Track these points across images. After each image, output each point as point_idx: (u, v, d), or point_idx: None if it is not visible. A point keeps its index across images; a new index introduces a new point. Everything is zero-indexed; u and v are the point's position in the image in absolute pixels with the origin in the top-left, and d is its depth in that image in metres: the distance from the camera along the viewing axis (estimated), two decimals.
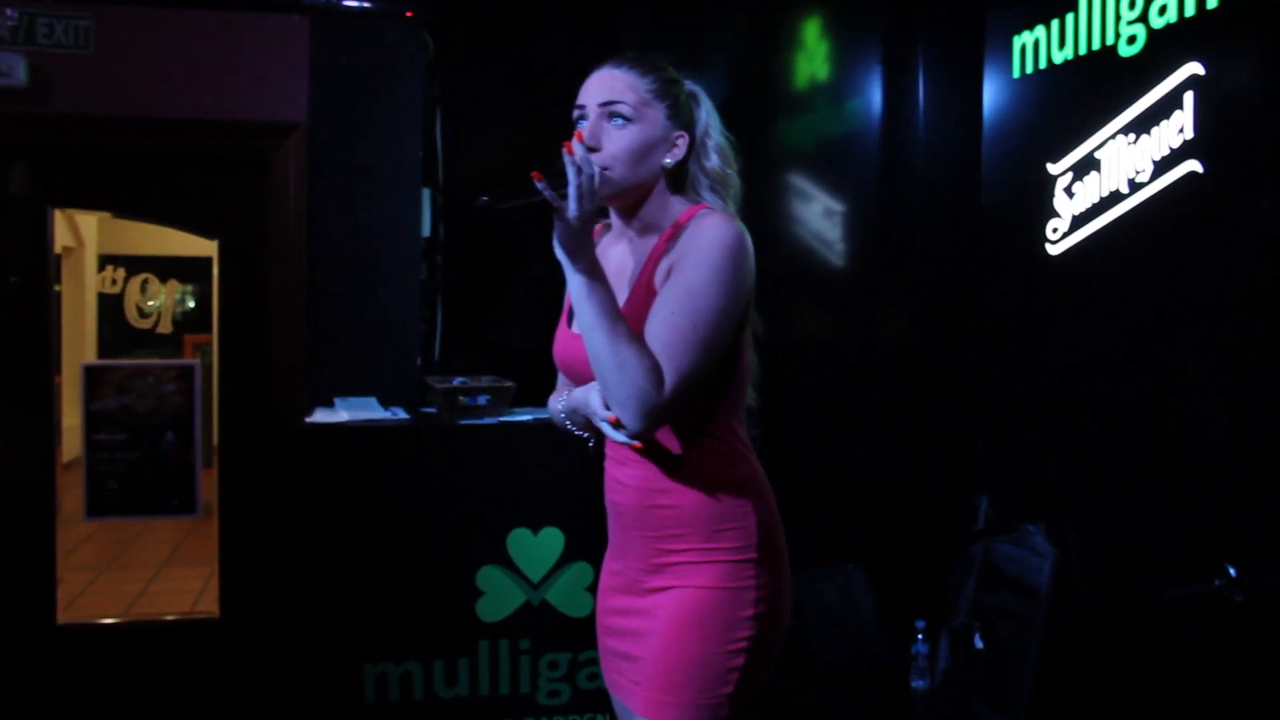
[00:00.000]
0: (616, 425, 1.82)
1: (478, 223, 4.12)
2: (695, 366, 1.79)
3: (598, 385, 1.83)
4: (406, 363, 3.92)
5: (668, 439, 1.93)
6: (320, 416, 3.50)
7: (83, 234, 8.19)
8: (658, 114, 1.94)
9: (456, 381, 3.62)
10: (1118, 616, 3.60)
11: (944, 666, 4.21)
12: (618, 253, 2.06)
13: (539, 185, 1.72)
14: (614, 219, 2.05)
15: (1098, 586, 3.71)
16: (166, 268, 4.32)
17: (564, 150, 1.74)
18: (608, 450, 2.06)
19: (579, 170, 1.73)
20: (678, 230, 1.93)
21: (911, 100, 4.55)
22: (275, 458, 3.83)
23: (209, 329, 4.41)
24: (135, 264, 4.36)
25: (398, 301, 3.92)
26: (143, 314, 4.18)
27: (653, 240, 1.98)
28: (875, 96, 4.61)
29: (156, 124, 3.78)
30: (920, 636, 4.23)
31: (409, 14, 3.88)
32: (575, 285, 1.79)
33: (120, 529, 6.31)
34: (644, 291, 1.91)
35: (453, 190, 4.08)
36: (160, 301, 4.22)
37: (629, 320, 1.83)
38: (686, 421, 1.91)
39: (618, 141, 1.91)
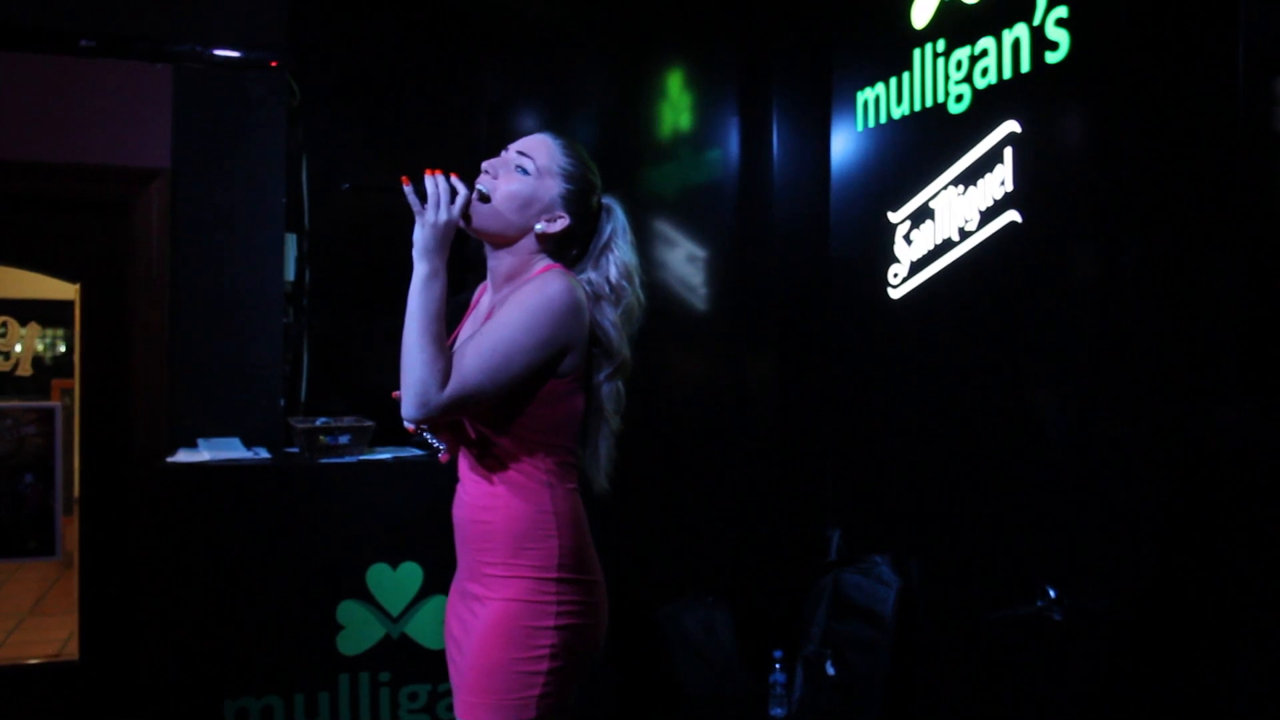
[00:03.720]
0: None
1: (343, 268, 4.20)
2: (478, 385, 2.00)
3: None
4: (270, 404, 3.97)
5: (492, 464, 2.14)
6: (182, 456, 3.54)
7: None
8: (554, 185, 2.17)
9: (319, 422, 3.69)
10: (957, 639, 3.79)
11: (799, 695, 4.35)
12: (485, 299, 2.28)
13: (406, 190, 2.04)
14: (489, 269, 2.24)
15: (939, 612, 3.90)
16: (30, 311, 4.30)
17: (425, 172, 2.06)
18: (459, 474, 2.25)
19: (442, 185, 2.04)
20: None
21: (766, 150, 4.76)
22: (136, 499, 3.85)
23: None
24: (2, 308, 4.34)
25: (260, 344, 3.97)
26: (4, 356, 4.16)
27: (510, 289, 2.18)
28: (733, 146, 4.81)
29: (16, 167, 3.80)
30: (778, 666, 4.37)
31: (273, 64, 3.97)
32: (415, 279, 2.04)
33: None
34: (485, 322, 2.13)
35: (318, 236, 4.15)
36: (19, 345, 4.20)
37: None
38: (506, 452, 2.11)
39: (507, 182, 2.15)
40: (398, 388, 2.06)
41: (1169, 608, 2.92)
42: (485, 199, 2.13)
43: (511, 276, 2.20)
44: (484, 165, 2.19)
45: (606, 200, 2.29)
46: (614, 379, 2.20)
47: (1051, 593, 3.28)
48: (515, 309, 2.05)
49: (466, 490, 2.21)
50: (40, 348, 4.50)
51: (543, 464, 2.13)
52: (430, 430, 2.16)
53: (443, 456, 2.22)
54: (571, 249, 2.26)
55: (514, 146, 2.21)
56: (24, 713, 3.95)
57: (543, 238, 2.18)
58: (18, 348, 4.17)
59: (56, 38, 3.80)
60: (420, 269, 2.04)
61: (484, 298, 2.31)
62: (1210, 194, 2.83)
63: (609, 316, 2.18)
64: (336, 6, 4.22)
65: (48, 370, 4.49)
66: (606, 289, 2.20)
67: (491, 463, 2.13)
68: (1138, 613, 3.01)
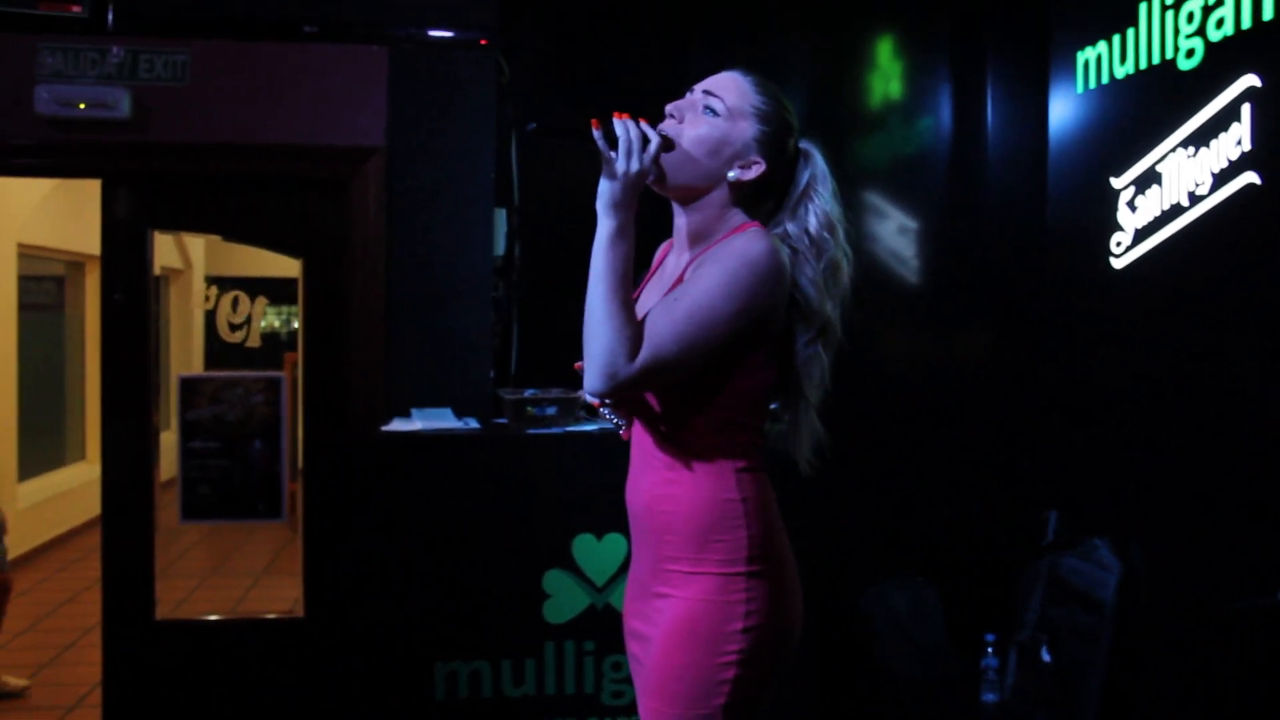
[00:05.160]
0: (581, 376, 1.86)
1: (551, 243, 4.27)
2: (673, 355, 1.80)
3: None
4: (479, 376, 4.07)
5: (675, 446, 1.93)
6: (396, 425, 3.67)
7: (190, 256, 8.60)
8: (747, 127, 1.95)
9: (527, 393, 3.76)
10: (1182, 630, 3.58)
11: (1012, 681, 4.21)
12: (672, 260, 2.07)
13: (595, 134, 1.82)
14: (676, 227, 2.04)
15: (1163, 600, 3.69)
16: (261, 287, 4.58)
17: (614, 115, 1.84)
18: (631, 456, 2.06)
19: (634, 133, 1.82)
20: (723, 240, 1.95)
21: (980, 117, 4.60)
22: (354, 465, 4.02)
23: None
24: (236, 284, 4.64)
25: (470, 317, 4.08)
26: (233, 328, 4.44)
27: (701, 249, 1.98)
28: (946, 114, 4.66)
29: (246, 149, 4.02)
30: (990, 650, 4.24)
31: (483, 42, 4.06)
32: (600, 236, 1.84)
33: (222, 538, 6.56)
34: (674, 286, 1.94)
35: (527, 211, 4.23)
36: (258, 319, 4.48)
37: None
38: (694, 431, 1.92)
39: (695, 125, 1.94)
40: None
41: None
42: (670, 145, 1.91)
43: (702, 235, 1.99)
44: (668, 109, 1.98)
45: (804, 145, 2.04)
46: (815, 344, 1.95)
47: None
48: (714, 271, 1.84)
49: (643, 476, 1.99)
50: (277, 323, 4.78)
51: (732, 444, 1.93)
52: (611, 405, 1.97)
53: (624, 434, 2.06)
54: (767, 201, 2.02)
55: (700, 86, 1.98)
56: (260, 661, 4.20)
57: (736, 187, 1.96)
58: (242, 319, 4.44)
59: (281, 26, 4.00)
60: (606, 225, 1.83)
61: (669, 258, 2.10)
62: None
63: (807, 274, 1.92)
64: None
65: (281, 344, 4.77)
66: (806, 242, 1.95)
67: (674, 444, 1.93)
68: None
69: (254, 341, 4.40)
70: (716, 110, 1.94)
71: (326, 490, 4.17)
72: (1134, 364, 3.91)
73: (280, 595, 5.61)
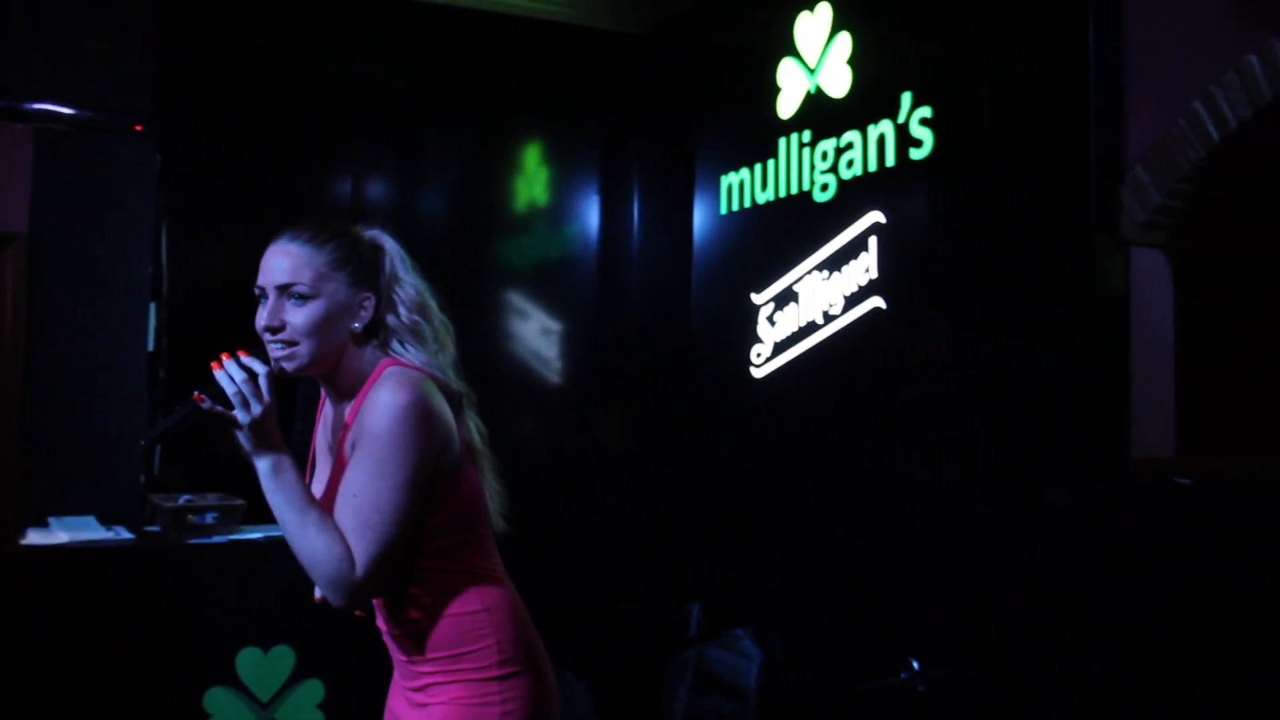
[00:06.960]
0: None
1: (201, 338, 4.06)
2: (384, 543, 1.84)
3: None
4: (129, 479, 3.81)
5: (404, 581, 1.96)
6: (35, 538, 3.36)
7: None
8: (338, 285, 1.94)
9: (183, 499, 3.56)
10: (819, 711, 3.88)
11: None
12: (325, 416, 2.10)
13: (205, 405, 1.80)
14: (324, 391, 2.06)
15: (802, 684, 3.99)
16: None
17: (212, 368, 1.81)
18: None
19: (239, 377, 1.80)
20: (366, 394, 1.94)
21: (627, 228, 4.87)
22: None
23: None
24: None
25: (121, 416, 3.82)
26: None
27: (349, 404, 1.99)
28: (593, 222, 4.89)
29: None
30: None
31: (139, 127, 3.86)
32: (261, 478, 1.85)
33: None
34: (340, 465, 1.95)
35: (175, 304, 4.02)
36: None
37: (334, 492, 1.92)
38: (418, 567, 1.95)
39: (298, 317, 1.91)
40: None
41: (1025, 675, 3.07)
42: (283, 372, 1.91)
43: (354, 386, 1.99)
44: (261, 329, 1.92)
45: (370, 235, 2.05)
46: (465, 414, 2.04)
47: (915, 664, 3.41)
48: (377, 449, 1.85)
49: (384, 603, 2.02)
50: None
51: (460, 562, 1.99)
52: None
53: (358, 611, 1.98)
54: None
55: (270, 284, 1.93)
56: None
57: (360, 332, 1.99)
58: None
59: None
60: (263, 467, 1.84)
61: (325, 417, 2.12)
62: (1060, 288, 3.05)
63: (422, 358, 2.00)
64: (203, 73, 4.14)
65: None
66: (402, 332, 2.01)
67: (402, 579, 1.95)
68: (999, 681, 3.15)
69: None
70: (305, 294, 1.91)
71: None
72: (770, 464, 4.23)
73: None
